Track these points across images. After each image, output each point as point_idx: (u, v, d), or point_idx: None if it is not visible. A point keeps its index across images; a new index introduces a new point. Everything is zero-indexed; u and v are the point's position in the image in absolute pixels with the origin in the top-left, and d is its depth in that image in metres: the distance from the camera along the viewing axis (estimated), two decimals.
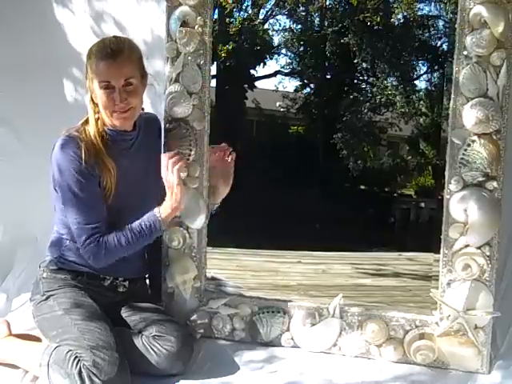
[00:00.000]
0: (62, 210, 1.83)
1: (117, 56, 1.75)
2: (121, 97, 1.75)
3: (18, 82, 2.59)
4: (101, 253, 1.78)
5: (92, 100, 1.83)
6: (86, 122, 1.85)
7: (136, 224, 1.80)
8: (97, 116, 1.83)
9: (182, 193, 1.81)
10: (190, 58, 1.93)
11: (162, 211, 1.82)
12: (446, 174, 1.82)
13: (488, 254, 1.78)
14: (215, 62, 2.33)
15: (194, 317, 1.99)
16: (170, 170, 1.80)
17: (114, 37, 1.85)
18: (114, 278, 1.89)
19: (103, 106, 1.78)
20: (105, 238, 1.78)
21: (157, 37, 2.37)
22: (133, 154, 1.89)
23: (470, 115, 1.73)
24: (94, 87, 1.79)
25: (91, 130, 1.81)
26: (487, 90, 1.73)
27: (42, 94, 2.60)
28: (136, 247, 1.83)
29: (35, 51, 2.56)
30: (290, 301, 2.01)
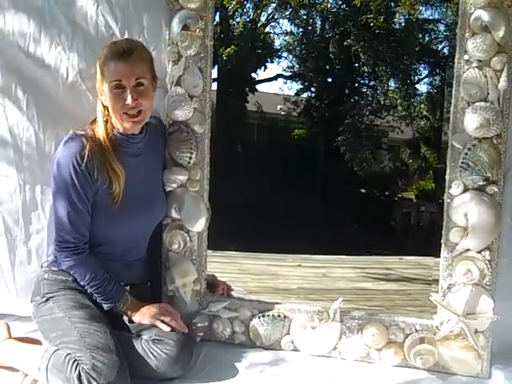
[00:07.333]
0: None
1: (128, 55, 1.74)
2: (132, 96, 1.73)
3: None
4: (66, 263, 1.81)
5: (102, 104, 1.81)
6: (95, 121, 1.83)
7: (108, 283, 1.81)
8: (105, 119, 1.81)
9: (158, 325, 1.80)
10: (191, 61, 1.93)
11: (131, 306, 1.83)
12: (447, 177, 1.81)
13: (488, 258, 1.78)
14: (216, 65, 2.32)
15: (194, 320, 1.99)
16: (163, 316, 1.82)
17: (126, 39, 1.88)
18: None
19: (113, 108, 1.76)
20: (77, 258, 1.80)
21: None
22: (140, 158, 1.88)
23: (471, 119, 1.73)
24: (104, 89, 1.77)
25: (100, 133, 1.79)
26: (488, 94, 1.73)
27: None
28: (88, 290, 1.82)
29: None
30: (291, 304, 2.01)
